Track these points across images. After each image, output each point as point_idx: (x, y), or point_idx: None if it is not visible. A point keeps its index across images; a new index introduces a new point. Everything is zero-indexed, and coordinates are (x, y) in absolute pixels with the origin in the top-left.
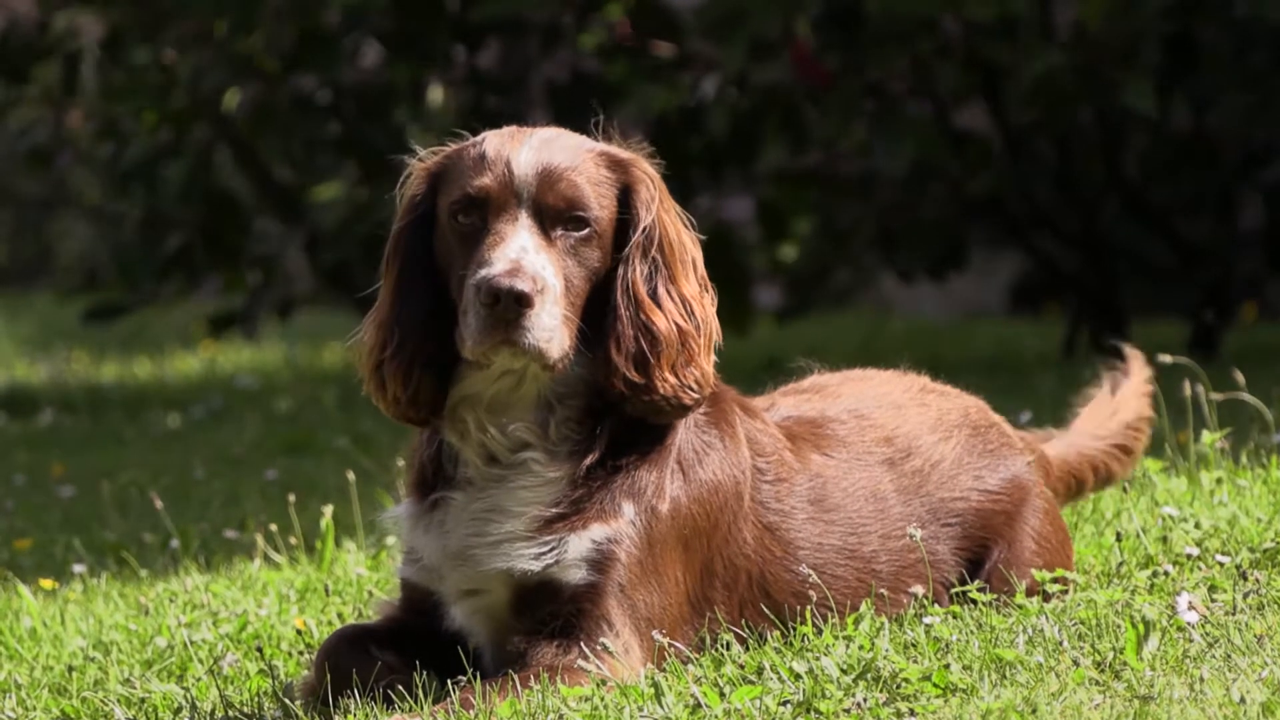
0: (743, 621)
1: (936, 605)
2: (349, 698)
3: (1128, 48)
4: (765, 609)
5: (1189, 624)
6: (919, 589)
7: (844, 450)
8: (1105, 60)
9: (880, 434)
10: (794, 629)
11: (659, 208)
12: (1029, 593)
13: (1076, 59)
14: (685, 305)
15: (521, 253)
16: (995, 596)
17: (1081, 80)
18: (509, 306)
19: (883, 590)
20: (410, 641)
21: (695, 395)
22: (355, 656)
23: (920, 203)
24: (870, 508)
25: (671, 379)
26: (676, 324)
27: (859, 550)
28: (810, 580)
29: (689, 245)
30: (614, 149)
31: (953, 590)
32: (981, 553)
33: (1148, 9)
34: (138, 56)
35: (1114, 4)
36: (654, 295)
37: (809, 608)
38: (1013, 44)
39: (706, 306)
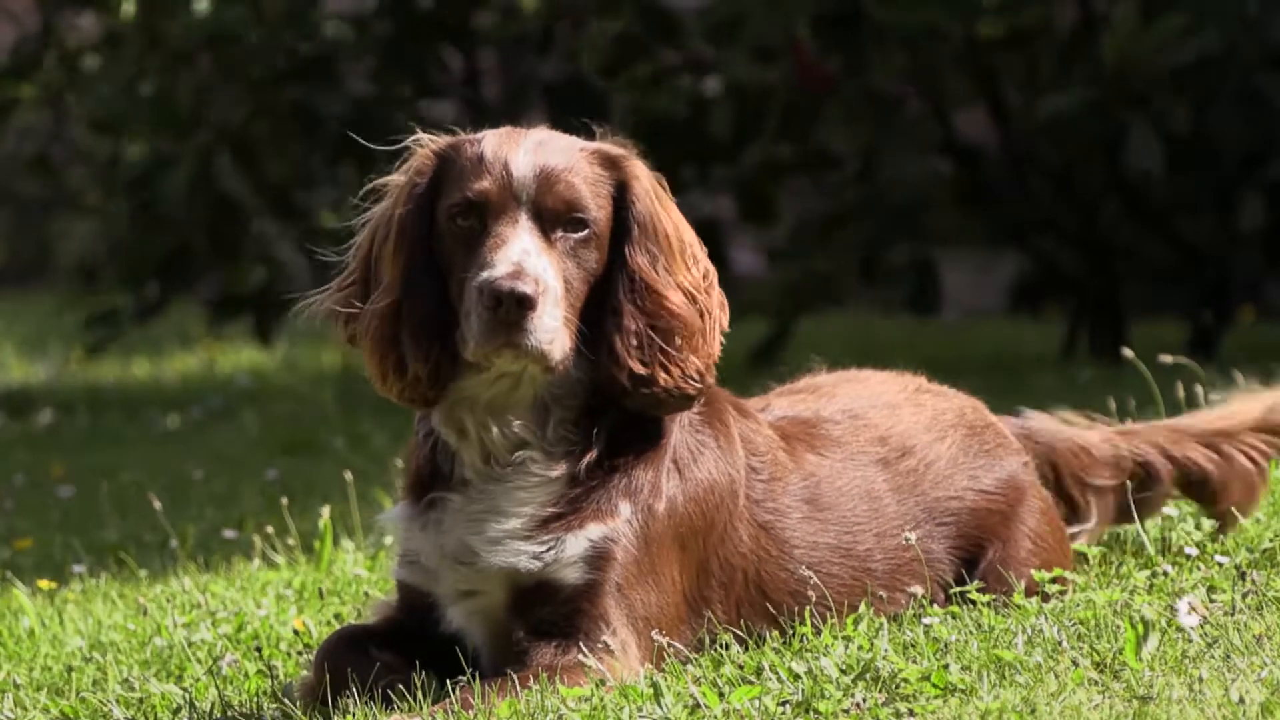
0: (740, 621)
1: (934, 605)
2: (348, 698)
3: (1142, 91)
4: (761, 608)
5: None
6: (917, 589)
7: (838, 450)
8: (1117, 102)
9: (875, 434)
10: (791, 628)
11: (654, 202)
12: (1028, 593)
13: (1091, 97)
14: (686, 296)
15: (524, 255)
16: (993, 596)
17: (1097, 120)
18: (511, 309)
19: (878, 589)
20: (409, 642)
21: (697, 385)
22: (354, 657)
23: (919, 223)
24: (865, 507)
25: (675, 369)
26: (679, 314)
27: (854, 549)
28: (807, 579)
29: (686, 237)
30: (607, 147)
31: (951, 590)
32: (977, 552)
33: (1175, 55)
34: (140, 65)
35: (1134, 50)
36: (655, 288)
37: (807, 607)
38: (1018, 49)
39: (708, 297)
